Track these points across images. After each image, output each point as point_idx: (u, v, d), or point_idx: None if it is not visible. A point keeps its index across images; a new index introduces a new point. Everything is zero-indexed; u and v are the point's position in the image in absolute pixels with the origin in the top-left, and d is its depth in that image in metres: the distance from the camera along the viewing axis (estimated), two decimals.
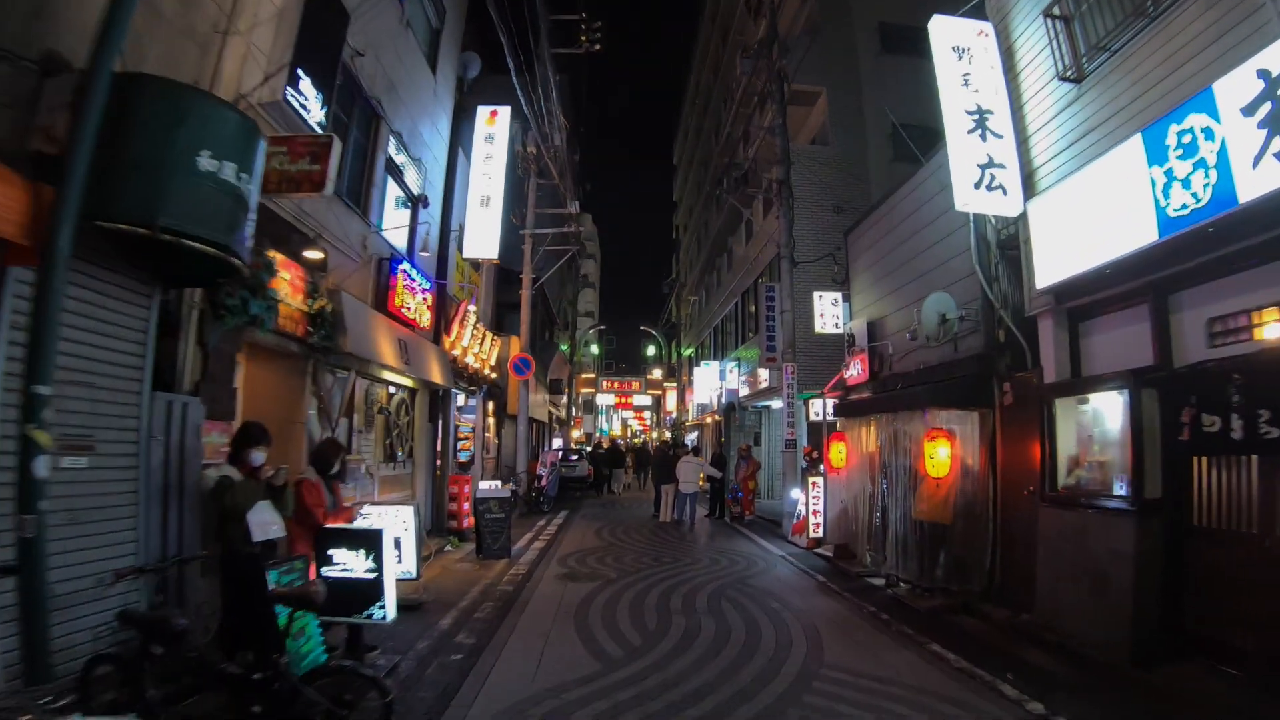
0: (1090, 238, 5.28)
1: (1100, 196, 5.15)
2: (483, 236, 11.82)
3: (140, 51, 4.02)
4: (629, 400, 50.45)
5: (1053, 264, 5.78)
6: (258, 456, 4.34)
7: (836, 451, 9.35)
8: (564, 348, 29.24)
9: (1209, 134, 4.17)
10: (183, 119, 3.46)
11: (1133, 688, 4.37)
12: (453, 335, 10.97)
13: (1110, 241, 5.04)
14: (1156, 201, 4.56)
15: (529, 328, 15.51)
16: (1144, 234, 4.69)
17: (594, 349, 44.71)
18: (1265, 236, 4.06)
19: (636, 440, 43.90)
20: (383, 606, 4.19)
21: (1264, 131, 3.82)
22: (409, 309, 8.87)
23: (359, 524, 5.24)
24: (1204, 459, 4.56)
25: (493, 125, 12.20)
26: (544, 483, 15.40)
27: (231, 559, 4.14)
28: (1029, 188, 6.30)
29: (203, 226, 3.49)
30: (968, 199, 6.34)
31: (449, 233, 10.86)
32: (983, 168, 6.31)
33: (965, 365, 7.23)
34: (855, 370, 10.02)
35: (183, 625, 2.87)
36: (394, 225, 8.85)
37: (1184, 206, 4.36)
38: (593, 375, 45.90)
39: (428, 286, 9.71)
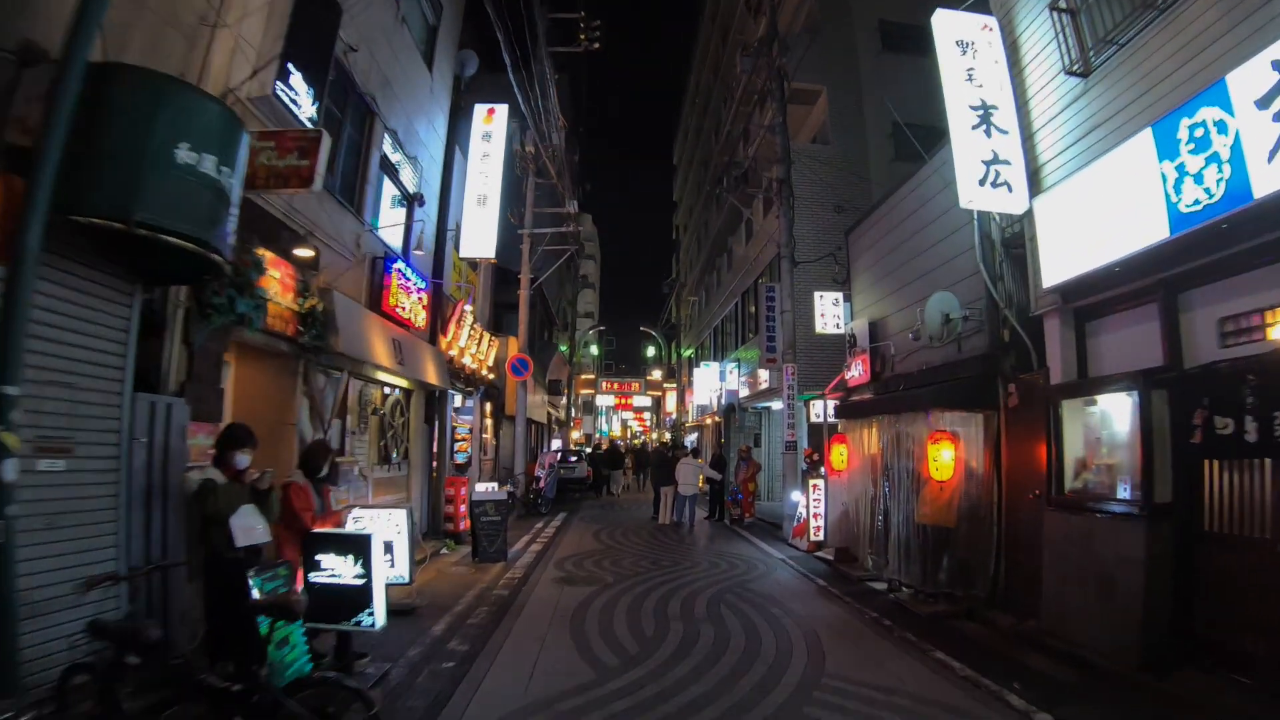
0: (1098, 235, 5.15)
1: (1108, 193, 5.03)
2: (480, 236, 11.72)
3: (123, 42, 3.90)
4: (628, 401, 50.35)
5: (1059, 262, 5.66)
6: (242, 459, 4.22)
7: (838, 453, 9.24)
8: (563, 348, 29.14)
9: (1222, 127, 4.05)
10: (160, 109, 3.34)
11: (1142, 696, 4.25)
12: (449, 335, 10.85)
13: (1119, 238, 4.92)
14: (1167, 197, 4.44)
15: (527, 328, 15.41)
16: (1154, 231, 4.57)
17: (593, 350, 44.64)
18: None
19: (636, 441, 43.80)
20: (371, 613, 4.09)
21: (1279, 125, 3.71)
22: (404, 309, 8.75)
23: (349, 528, 5.14)
24: (1215, 462, 4.44)
25: (490, 123, 12.10)
26: (542, 484, 15.28)
27: (214, 564, 4.04)
28: (1034, 184, 6.18)
29: (181, 221, 3.37)
30: (972, 196, 6.22)
31: (445, 232, 10.75)
32: (987, 164, 6.19)
33: (969, 366, 7.11)
34: (857, 371, 9.89)
35: (156, 636, 2.76)
36: (389, 223, 8.73)
37: (1196, 202, 4.24)
38: (592, 376, 45.80)
39: (423, 286, 9.59)
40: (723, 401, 21.15)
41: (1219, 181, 4.07)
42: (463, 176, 11.70)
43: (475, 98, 12.07)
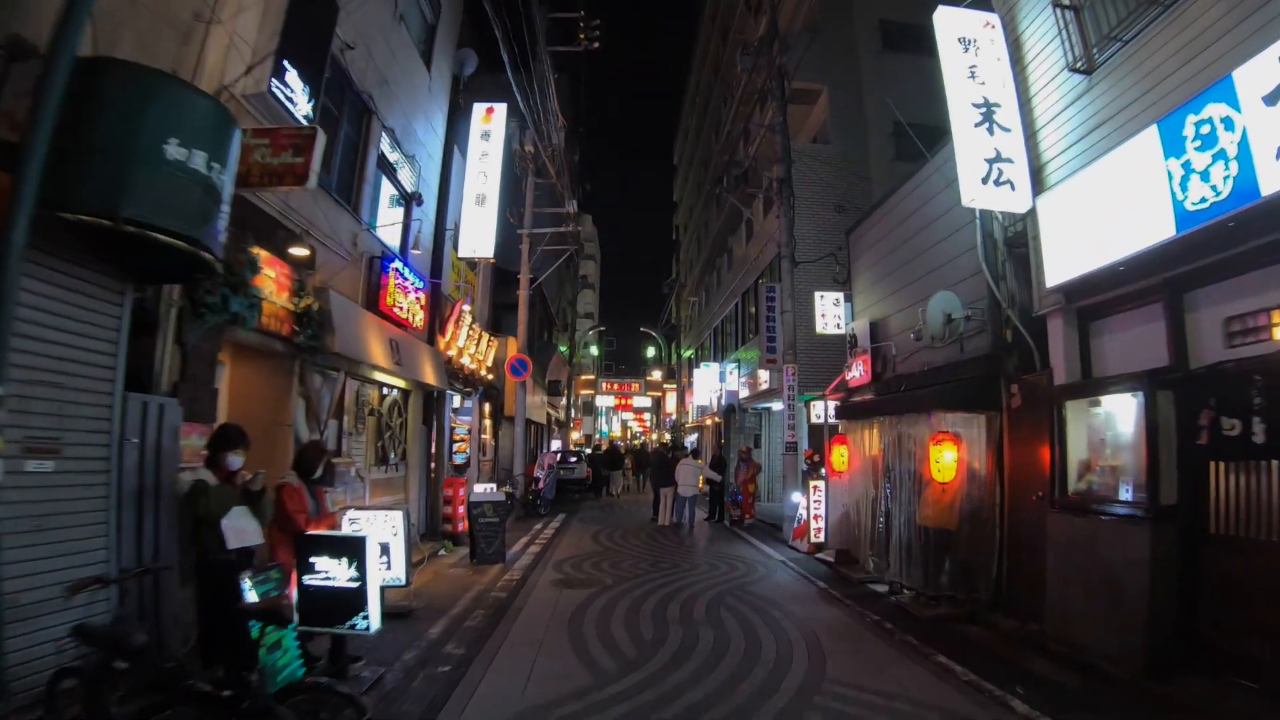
0: (1102, 234, 5.09)
1: (1113, 191, 4.97)
2: (478, 235, 11.67)
3: (115, 38, 3.85)
4: (628, 402, 50.31)
5: (1063, 261, 5.60)
6: (234, 460, 4.17)
7: (838, 454, 9.17)
8: (563, 349, 29.09)
9: (1229, 124, 3.99)
10: (149, 104, 3.28)
11: (1148, 701, 4.20)
12: (448, 335, 10.79)
13: (1124, 237, 4.86)
14: (1173, 195, 4.38)
15: (526, 328, 15.35)
16: (1160, 229, 4.51)
17: (593, 350, 44.58)
18: None
19: (636, 442, 43.74)
20: (366, 617, 4.01)
21: None
22: (401, 308, 8.70)
23: (345, 529, 5.07)
24: (1221, 464, 4.38)
25: (489, 123, 12.05)
26: (541, 485, 15.22)
27: (205, 567, 3.99)
28: (1038, 183, 6.12)
29: (170, 218, 3.31)
30: (974, 194, 6.16)
31: (444, 231, 10.69)
32: (990, 162, 6.13)
33: (971, 366, 7.05)
34: (857, 372, 9.83)
35: (141, 641, 2.70)
36: (387, 223, 8.67)
37: (1203, 200, 4.18)
38: (592, 377, 45.75)
39: (421, 286, 9.53)
40: (723, 402, 21.09)
41: (1226, 179, 4.01)
42: (461, 176, 11.64)
43: (474, 97, 12.01)
